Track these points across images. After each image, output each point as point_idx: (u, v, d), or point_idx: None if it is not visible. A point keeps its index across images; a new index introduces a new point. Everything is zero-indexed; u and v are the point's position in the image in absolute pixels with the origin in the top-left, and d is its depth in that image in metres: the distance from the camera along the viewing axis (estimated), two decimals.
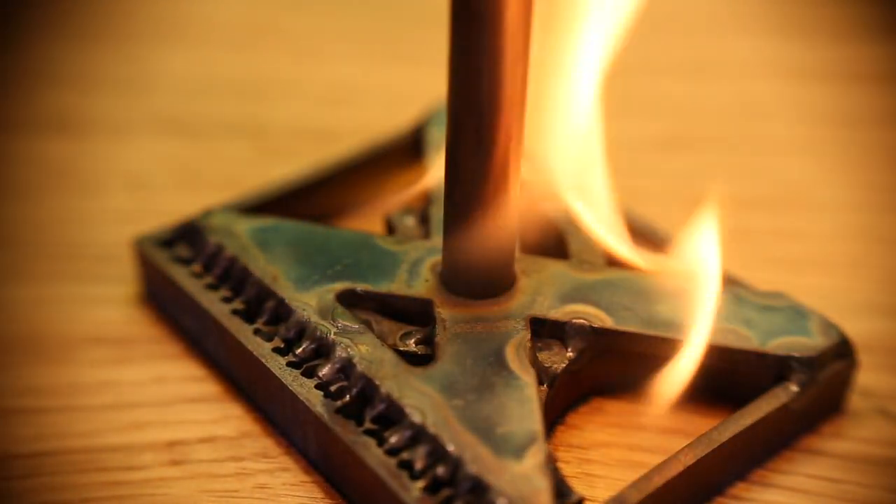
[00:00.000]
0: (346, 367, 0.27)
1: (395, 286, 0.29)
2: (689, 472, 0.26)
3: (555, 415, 0.28)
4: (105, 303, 0.32)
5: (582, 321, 0.28)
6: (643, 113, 0.41)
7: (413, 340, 0.28)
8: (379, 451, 0.25)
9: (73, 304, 0.32)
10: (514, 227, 0.27)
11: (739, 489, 0.27)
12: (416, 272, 0.29)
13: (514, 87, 0.25)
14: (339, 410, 0.26)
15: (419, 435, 0.25)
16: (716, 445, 0.26)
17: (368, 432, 0.26)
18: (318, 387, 0.27)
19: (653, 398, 0.28)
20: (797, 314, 0.29)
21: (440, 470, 0.25)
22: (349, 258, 0.30)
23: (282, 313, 0.29)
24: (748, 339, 0.28)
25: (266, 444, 0.28)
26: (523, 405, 0.26)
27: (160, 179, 0.37)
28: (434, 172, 0.33)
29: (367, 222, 0.35)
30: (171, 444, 0.28)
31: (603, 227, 0.30)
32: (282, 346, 0.28)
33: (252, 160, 0.38)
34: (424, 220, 0.32)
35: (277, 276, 0.29)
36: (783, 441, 0.28)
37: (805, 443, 0.29)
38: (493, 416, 0.25)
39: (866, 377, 0.30)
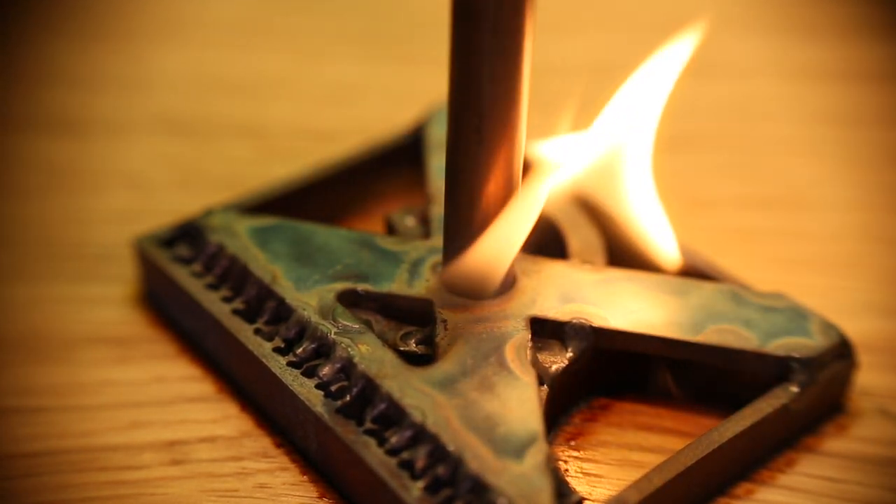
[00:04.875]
0: (347, 367, 0.27)
1: (396, 286, 0.29)
2: (689, 472, 0.26)
3: (555, 415, 0.28)
4: (105, 303, 0.32)
5: (582, 321, 0.28)
6: None
7: (413, 340, 0.28)
8: (379, 451, 0.25)
9: (73, 304, 0.32)
10: None
11: (740, 489, 0.27)
12: (417, 272, 0.29)
13: (513, 87, 0.25)
14: (339, 410, 0.26)
15: (419, 435, 0.25)
16: (716, 445, 0.26)
17: (369, 432, 0.26)
18: (318, 386, 0.27)
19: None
20: (797, 315, 0.29)
21: (440, 470, 0.25)
22: (349, 258, 0.30)
23: (282, 313, 0.29)
24: (748, 339, 0.28)
25: (266, 443, 0.28)
26: (523, 405, 0.26)
27: (160, 179, 0.37)
28: (434, 172, 0.33)
29: (367, 222, 0.35)
30: (171, 444, 0.28)
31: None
32: (282, 345, 0.28)
33: (252, 160, 0.38)
34: (424, 220, 0.32)
35: (278, 275, 0.29)
36: (783, 441, 0.28)
37: (805, 443, 0.29)
38: (493, 416, 0.25)
39: (866, 377, 0.30)
